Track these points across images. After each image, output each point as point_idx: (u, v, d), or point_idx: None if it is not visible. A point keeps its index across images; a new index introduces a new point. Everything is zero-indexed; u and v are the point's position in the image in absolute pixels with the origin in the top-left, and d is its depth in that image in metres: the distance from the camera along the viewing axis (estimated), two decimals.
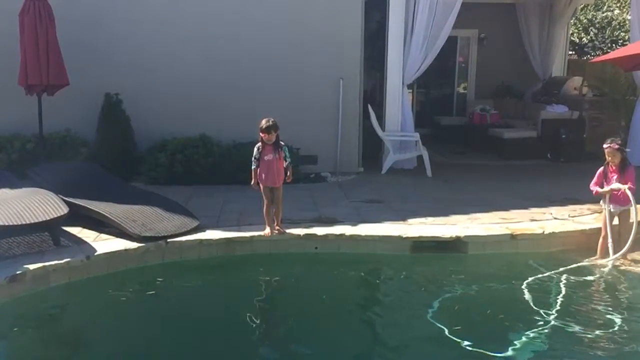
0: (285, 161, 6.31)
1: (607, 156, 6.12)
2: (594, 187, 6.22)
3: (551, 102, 11.65)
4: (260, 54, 9.15)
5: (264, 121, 6.17)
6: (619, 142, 6.16)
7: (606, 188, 6.12)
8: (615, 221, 6.21)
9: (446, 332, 4.76)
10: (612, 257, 6.05)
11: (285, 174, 6.33)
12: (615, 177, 6.09)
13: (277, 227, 6.36)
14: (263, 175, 6.25)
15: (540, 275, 5.83)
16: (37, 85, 7.91)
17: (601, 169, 6.22)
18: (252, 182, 6.32)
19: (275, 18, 9.15)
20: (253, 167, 6.27)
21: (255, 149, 6.26)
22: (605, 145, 6.13)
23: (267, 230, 6.31)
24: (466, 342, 4.55)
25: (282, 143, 6.30)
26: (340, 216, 6.95)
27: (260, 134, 6.17)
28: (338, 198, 7.97)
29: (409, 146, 9.73)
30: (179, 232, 6.25)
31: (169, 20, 9.01)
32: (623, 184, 6.02)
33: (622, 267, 6.01)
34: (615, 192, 6.08)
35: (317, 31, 9.20)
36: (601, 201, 6.28)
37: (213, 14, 9.08)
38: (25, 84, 7.88)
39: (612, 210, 6.17)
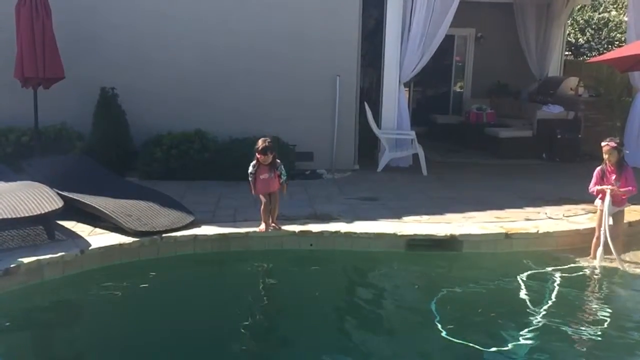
0: (281, 178, 6.34)
1: (604, 154, 6.13)
2: (593, 188, 6.21)
3: (547, 102, 11.67)
4: (258, 50, 9.13)
5: (260, 142, 6.15)
6: (617, 141, 6.16)
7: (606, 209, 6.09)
8: (610, 221, 6.22)
9: (439, 329, 4.77)
10: (600, 257, 6.09)
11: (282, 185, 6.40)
12: (613, 177, 6.10)
13: (272, 224, 6.36)
14: (259, 187, 6.29)
15: (533, 274, 5.86)
16: (33, 78, 7.88)
17: (599, 168, 6.21)
18: (253, 192, 6.35)
19: (272, 14, 9.12)
20: (250, 179, 6.29)
21: (251, 167, 6.24)
22: (603, 143, 6.13)
23: (263, 226, 6.31)
24: (459, 340, 4.57)
25: (279, 162, 6.31)
26: (336, 213, 6.96)
27: (257, 154, 6.15)
28: (333, 195, 7.97)
29: (405, 144, 9.74)
30: (174, 227, 6.24)
31: (166, 14, 8.97)
32: (622, 184, 6.02)
33: (615, 267, 6.03)
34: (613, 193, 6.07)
35: (315, 28, 9.18)
36: (596, 201, 6.30)
37: (210, 9, 9.05)
38: (21, 76, 7.85)
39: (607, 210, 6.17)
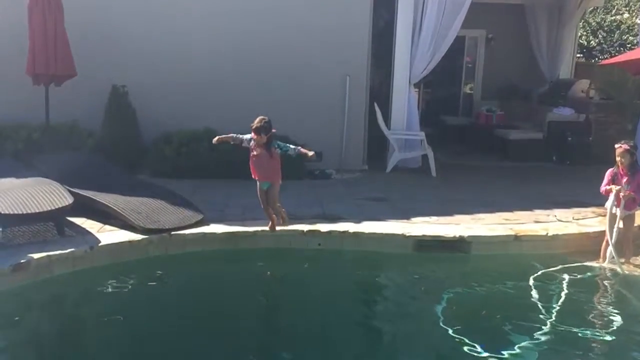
0: (286, 151, 5.84)
1: (617, 156, 6.09)
2: (604, 188, 6.18)
3: (558, 104, 11.61)
4: (268, 49, 9.14)
5: (256, 120, 5.76)
6: (631, 144, 6.13)
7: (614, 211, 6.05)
8: (620, 225, 6.19)
9: (447, 331, 4.76)
10: (608, 259, 6.07)
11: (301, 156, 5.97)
12: (625, 179, 6.05)
13: (281, 217, 6.18)
14: (252, 167, 5.98)
15: (542, 277, 5.83)
16: (44, 75, 7.94)
17: (610, 170, 6.17)
18: (216, 138, 5.99)
19: (283, 14, 9.14)
20: (231, 134, 5.97)
21: (248, 135, 5.89)
22: (616, 145, 6.10)
23: (270, 224, 6.27)
24: (467, 342, 4.56)
25: (279, 143, 5.89)
26: (344, 213, 6.95)
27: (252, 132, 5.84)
28: (342, 195, 7.97)
29: (414, 145, 9.72)
30: (182, 225, 6.26)
31: (177, 13, 9.01)
32: (632, 188, 5.98)
33: (625, 271, 6.00)
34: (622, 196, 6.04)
35: (325, 28, 9.18)
36: (606, 203, 6.25)
37: (221, 9, 9.08)
38: (33, 73, 7.91)
39: (617, 213, 6.13)
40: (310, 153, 5.87)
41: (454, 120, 13.23)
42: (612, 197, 5.99)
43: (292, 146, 5.93)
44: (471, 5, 9.30)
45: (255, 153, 5.89)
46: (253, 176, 6.03)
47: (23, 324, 4.91)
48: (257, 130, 5.76)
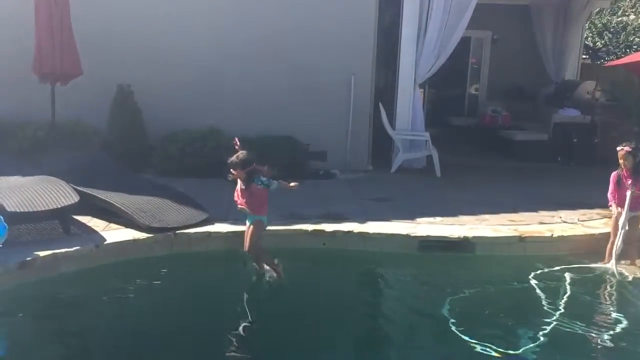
0: (269, 185, 5.41)
1: (619, 159, 6.09)
2: (611, 198, 6.17)
3: (563, 105, 11.59)
4: (273, 48, 9.15)
5: (235, 155, 5.40)
6: (633, 145, 6.12)
7: (624, 213, 6.05)
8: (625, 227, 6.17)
9: (451, 331, 4.77)
10: (614, 260, 6.05)
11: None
12: (629, 181, 6.05)
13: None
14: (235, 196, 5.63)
15: (546, 278, 5.83)
16: (50, 74, 7.96)
17: (615, 173, 6.17)
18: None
19: (289, 13, 9.15)
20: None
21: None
22: (618, 148, 6.11)
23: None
24: (471, 342, 4.56)
25: (262, 179, 5.40)
26: (349, 213, 6.95)
27: None
28: (347, 195, 7.97)
29: (419, 145, 9.72)
30: (187, 224, 6.28)
31: (183, 12, 9.04)
32: (637, 189, 5.98)
33: (629, 272, 5.99)
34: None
35: (330, 27, 9.19)
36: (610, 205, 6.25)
37: (226, 8, 9.10)
38: (39, 72, 7.92)
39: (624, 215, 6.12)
40: (292, 184, 5.51)
41: (459, 121, 13.22)
42: (624, 215, 5.99)
43: (275, 182, 5.46)
44: (477, 6, 9.28)
45: (236, 188, 5.54)
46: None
47: (28, 321, 4.93)
48: (232, 166, 5.38)
